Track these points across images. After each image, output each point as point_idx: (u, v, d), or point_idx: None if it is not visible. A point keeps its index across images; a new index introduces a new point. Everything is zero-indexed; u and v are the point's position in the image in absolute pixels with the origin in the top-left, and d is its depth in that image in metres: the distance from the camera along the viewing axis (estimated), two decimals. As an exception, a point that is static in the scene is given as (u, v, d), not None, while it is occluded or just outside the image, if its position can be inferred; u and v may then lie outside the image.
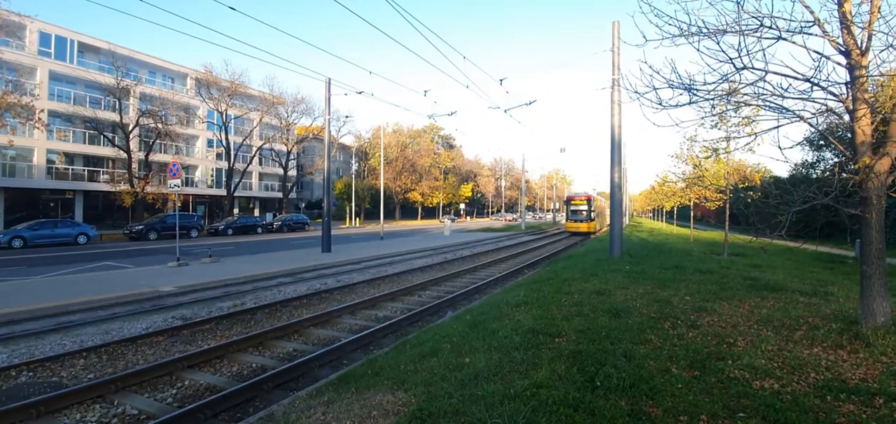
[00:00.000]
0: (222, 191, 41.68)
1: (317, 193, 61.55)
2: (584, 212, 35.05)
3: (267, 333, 7.20)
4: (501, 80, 17.90)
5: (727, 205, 15.89)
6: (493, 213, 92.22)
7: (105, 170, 35.47)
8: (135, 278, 12.53)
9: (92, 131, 33.12)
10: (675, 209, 34.35)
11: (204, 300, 9.97)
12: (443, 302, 9.69)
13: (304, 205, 56.94)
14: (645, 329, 5.60)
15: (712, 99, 5.19)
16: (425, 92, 19.91)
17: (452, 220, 63.41)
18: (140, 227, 27.56)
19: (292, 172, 50.60)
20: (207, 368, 6.05)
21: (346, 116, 55.41)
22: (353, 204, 51.17)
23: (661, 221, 57.14)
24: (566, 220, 37.00)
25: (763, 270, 11.13)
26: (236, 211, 45.64)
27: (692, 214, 26.29)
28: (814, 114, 5.38)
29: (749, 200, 12.57)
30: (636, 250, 16.80)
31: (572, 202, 36.60)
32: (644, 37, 4.99)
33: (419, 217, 73.36)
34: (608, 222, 36.51)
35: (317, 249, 20.75)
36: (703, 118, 5.84)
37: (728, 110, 8.40)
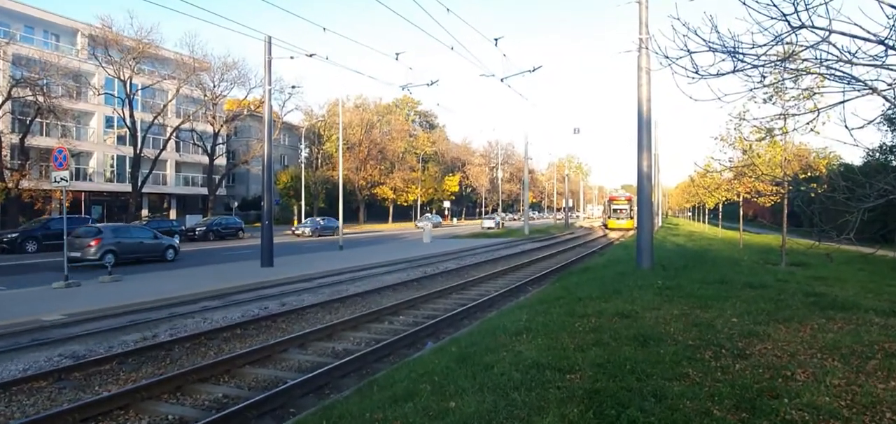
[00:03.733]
0: (127, 186, 40.95)
1: (254, 188, 60.91)
2: (625, 211, 47.22)
3: (187, 374, 7.14)
4: (497, 40, 18.02)
5: (785, 201, 16.22)
6: (487, 213, 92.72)
7: (-35, 158, 34.54)
8: (7, 303, 12.26)
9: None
10: (720, 206, 34.97)
11: (102, 331, 9.83)
12: (421, 330, 9.71)
13: (237, 204, 56.36)
14: (680, 360, 5.72)
15: (762, 66, 5.30)
16: (397, 55, 19.96)
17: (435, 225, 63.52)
18: (14, 235, 27.00)
19: (221, 161, 50.04)
20: (107, 422, 5.96)
21: (293, 86, 55.25)
22: (304, 202, 50.89)
23: (703, 222, 58.23)
24: (608, 218, 50.39)
25: (830, 284, 11.44)
26: (145, 212, 44.94)
27: (741, 213, 26.81)
28: (890, 85, 5.55)
29: (812, 195, 12.85)
30: (671, 259, 17.09)
31: (614, 201, 49.96)
32: (677, -16, 5.07)
33: (390, 219, 73.33)
34: None
35: (255, 262, 20.62)
36: (752, 90, 5.92)
37: (784, 80, 8.60)
